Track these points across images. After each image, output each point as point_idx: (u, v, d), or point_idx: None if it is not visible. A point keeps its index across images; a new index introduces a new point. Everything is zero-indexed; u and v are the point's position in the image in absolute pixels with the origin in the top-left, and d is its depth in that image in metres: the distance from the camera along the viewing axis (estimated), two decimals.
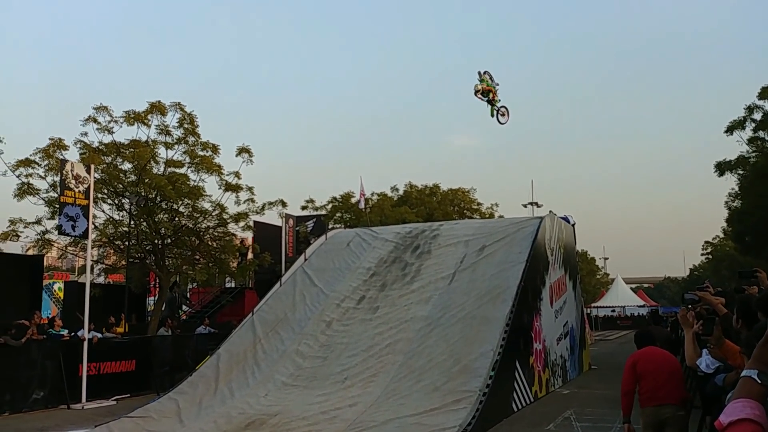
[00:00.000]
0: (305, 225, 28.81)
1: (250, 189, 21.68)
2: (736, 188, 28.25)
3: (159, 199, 20.48)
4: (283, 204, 23.26)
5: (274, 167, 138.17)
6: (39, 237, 19.44)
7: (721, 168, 27.13)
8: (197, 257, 22.33)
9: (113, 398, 14.56)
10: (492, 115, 16.89)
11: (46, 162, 18.84)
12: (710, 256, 57.68)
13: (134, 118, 20.06)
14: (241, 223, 22.09)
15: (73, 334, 15.22)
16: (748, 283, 7.34)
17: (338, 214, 34.52)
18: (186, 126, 20.84)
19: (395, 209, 34.21)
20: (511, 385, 12.24)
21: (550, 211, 21.71)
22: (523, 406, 12.49)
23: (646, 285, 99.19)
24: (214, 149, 21.19)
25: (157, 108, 20.30)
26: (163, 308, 21.69)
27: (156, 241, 21.02)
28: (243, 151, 21.27)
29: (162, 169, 20.67)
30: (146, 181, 19.84)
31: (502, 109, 17.07)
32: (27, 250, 21.63)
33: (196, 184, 20.78)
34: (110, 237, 20.88)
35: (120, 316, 18.60)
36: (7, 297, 16.94)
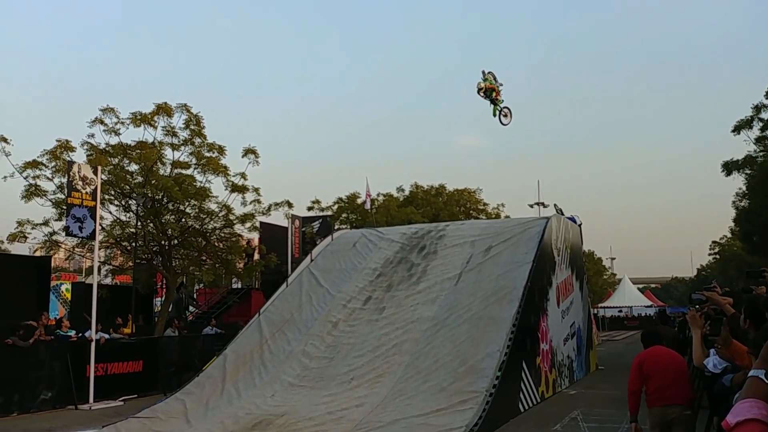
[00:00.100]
0: (311, 226, 28.84)
1: (256, 190, 21.73)
2: (744, 188, 28.14)
3: (166, 201, 20.54)
4: (289, 205, 23.31)
5: (280, 168, 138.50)
6: (46, 238, 19.52)
7: (729, 167, 27.00)
8: (204, 258, 22.39)
9: (121, 399, 14.61)
10: (494, 115, 16.69)
11: (53, 163, 18.91)
12: (718, 256, 57.37)
13: (141, 119, 20.11)
14: (248, 224, 22.14)
15: (80, 334, 15.28)
16: (756, 283, 7.32)
17: (344, 215, 34.51)
18: (192, 127, 20.89)
19: (401, 210, 34.17)
20: (518, 385, 12.22)
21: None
22: (529, 406, 12.47)
23: (653, 285, 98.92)
24: (221, 150, 21.24)
25: (163, 109, 20.36)
26: (169, 309, 21.73)
27: (163, 242, 21.08)
28: (249, 152, 21.31)
29: (168, 170, 20.72)
30: (153, 182, 19.90)
31: (505, 110, 16.88)
32: (34, 251, 21.72)
33: (202, 185, 20.83)
34: (117, 238, 20.96)
35: (127, 317, 18.66)
36: (15, 298, 17.01)
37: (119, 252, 23.02)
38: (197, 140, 21.05)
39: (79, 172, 14.50)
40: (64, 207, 15.81)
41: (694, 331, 5.64)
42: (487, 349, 11.97)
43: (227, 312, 24.92)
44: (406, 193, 38.59)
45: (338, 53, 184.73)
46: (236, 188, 21.26)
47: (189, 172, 20.89)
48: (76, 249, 21.24)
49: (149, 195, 20.21)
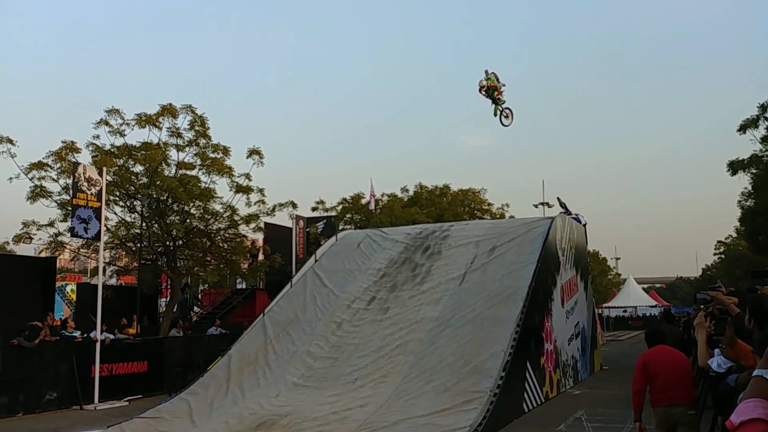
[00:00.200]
0: (315, 226, 28.85)
1: (260, 191, 21.76)
2: (749, 187, 28.02)
3: (170, 201, 20.58)
4: (294, 205, 23.34)
5: (284, 169, 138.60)
6: (52, 239, 19.57)
7: (734, 167, 26.91)
8: (208, 259, 22.42)
9: (125, 399, 14.65)
10: (495, 115, 16.52)
11: (58, 165, 18.96)
12: (723, 256, 57.16)
13: (145, 120, 20.16)
14: (252, 225, 22.17)
15: (85, 335, 15.33)
16: (761, 283, 7.30)
17: (348, 215, 34.52)
18: (197, 128, 20.93)
19: (405, 210, 34.17)
20: (522, 385, 12.21)
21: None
22: (534, 406, 12.46)
23: (658, 285, 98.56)
24: (225, 151, 21.27)
25: (168, 110, 20.40)
26: (174, 309, 21.78)
27: (167, 243, 21.12)
28: (253, 152, 21.35)
29: (173, 171, 20.77)
30: (158, 183, 19.94)
31: (506, 111, 16.71)
32: (40, 252, 21.82)
33: (207, 185, 20.86)
34: (122, 239, 21.01)
35: (132, 318, 18.70)
36: (21, 299, 17.09)
37: (124, 253, 23.08)
38: (202, 141, 21.09)
39: (84, 173, 14.55)
40: (70, 208, 15.87)
41: (700, 332, 5.63)
42: (491, 349, 11.97)
43: (232, 312, 24.96)
44: (411, 193, 38.58)
45: (342, 53, 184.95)
46: (241, 189, 21.30)
47: (194, 173, 20.93)
48: (82, 250, 21.29)
49: (154, 196, 20.26)
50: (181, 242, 21.37)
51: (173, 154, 20.91)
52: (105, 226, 16.68)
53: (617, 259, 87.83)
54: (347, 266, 16.69)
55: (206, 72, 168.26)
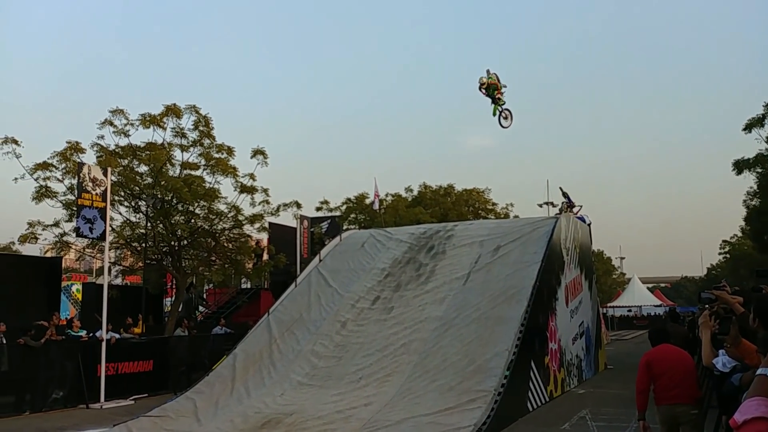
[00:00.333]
0: (320, 226, 28.90)
1: (265, 191, 21.81)
2: (755, 186, 27.95)
3: (175, 201, 20.63)
4: (298, 205, 23.36)
5: (288, 169, 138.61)
6: (57, 239, 19.66)
7: (739, 166, 26.84)
8: (213, 258, 22.48)
9: (131, 398, 14.70)
10: (494, 114, 16.36)
11: (63, 165, 19.04)
12: (728, 256, 56.98)
13: (150, 120, 20.22)
14: (257, 225, 22.23)
15: (91, 334, 15.38)
16: (766, 282, 7.29)
17: (353, 215, 34.53)
18: (201, 128, 20.98)
19: (410, 210, 34.16)
20: (526, 384, 12.21)
21: (561, 188, 21.59)
22: (538, 405, 12.46)
23: (662, 285, 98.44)
24: (229, 151, 21.32)
25: (172, 111, 20.46)
26: (179, 309, 21.85)
27: (172, 243, 21.18)
28: (258, 153, 21.39)
29: (178, 171, 20.82)
30: (162, 183, 20.00)
31: (505, 112, 16.52)
32: (45, 252, 21.89)
33: (211, 186, 20.92)
34: (127, 239, 21.08)
35: (137, 317, 18.77)
36: (27, 298, 17.16)
37: (129, 253, 23.15)
38: (206, 141, 21.15)
39: (89, 173, 14.60)
40: (75, 208, 15.92)
41: (704, 332, 5.63)
42: (495, 348, 11.97)
43: (236, 312, 25.02)
44: (415, 193, 38.57)
45: (346, 53, 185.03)
46: (245, 189, 21.34)
47: (198, 173, 20.99)
48: (87, 250, 21.37)
49: (159, 196, 20.31)
50: (185, 242, 21.43)
51: (178, 154, 21.00)
52: (110, 226, 16.74)
53: (622, 258, 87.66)
54: (351, 266, 16.71)
55: (210, 72, 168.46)
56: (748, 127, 26.45)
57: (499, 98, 16.15)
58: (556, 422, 11.00)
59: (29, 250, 20.94)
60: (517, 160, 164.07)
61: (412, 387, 11.62)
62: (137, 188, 20.27)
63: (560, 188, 21.65)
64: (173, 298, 23.51)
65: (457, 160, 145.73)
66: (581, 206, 21.63)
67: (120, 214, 20.67)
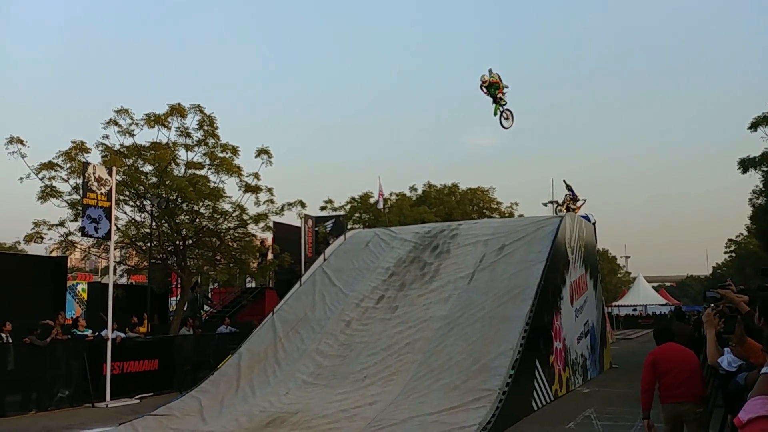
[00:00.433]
0: (324, 225, 28.90)
1: (269, 190, 21.82)
2: (760, 185, 27.88)
3: (180, 201, 20.67)
4: (302, 205, 23.38)
5: (292, 169, 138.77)
6: (62, 239, 19.70)
7: (745, 165, 26.76)
8: (218, 258, 22.51)
9: (137, 397, 14.75)
10: (495, 114, 16.28)
11: (68, 165, 19.08)
12: (734, 254, 56.83)
13: (154, 120, 20.25)
14: (261, 224, 22.23)
15: (96, 333, 15.44)
16: None
17: (357, 215, 34.58)
18: (206, 128, 21.01)
19: (414, 209, 34.18)
20: (531, 383, 12.21)
21: (564, 181, 21.53)
22: (543, 404, 12.46)
23: (668, 284, 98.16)
24: (234, 151, 21.34)
25: (177, 110, 20.49)
26: (184, 308, 21.88)
27: (177, 242, 21.22)
28: (262, 152, 21.41)
29: (182, 170, 20.86)
30: (167, 182, 20.04)
31: (506, 113, 16.42)
32: (51, 251, 21.94)
33: (216, 185, 20.95)
34: (132, 238, 21.13)
35: (143, 316, 18.80)
36: (32, 298, 17.20)
37: (134, 252, 23.21)
38: (211, 141, 21.17)
39: (94, 173, 14.64)
40: (80, 208, 15.97)
41: (708, 330, 5.62)
42: (500, 347, 11.98)
43: (241, 311, 25.05)
44: (419, 192, 38.60)
45: (350, 52, 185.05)
46: (249, 188, 21.37)
47: (203, 172, 21.02)
48: (92, 249, 21.42)
49: (163, 195, 20.35)
50: (190, 241, 21.46)
51: (182, 153, 21.03)
52: (115, 225, 16.78)
53: (627, 257, 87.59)
54: (356, 265, 16.72)
55: (214, 71, 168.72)
56: (754, 126, 26.36)
57: (500, 98, 16.08)
58: (561, 421, 11.00)
59: (35, 249, 21.05)
60: (521, 159, 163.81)
61: (416, 386, 11.63)
62: (142, 188, 20.31)
63: (564, 181, 21.59)
64: (178, 298, 23.56)
65: (462, 159, 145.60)
66: (585, 200, 21.54)
67: (125, 213, 20.72)
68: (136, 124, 20.24)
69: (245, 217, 21.73)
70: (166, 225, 20.84)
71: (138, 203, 20.81)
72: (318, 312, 15.18)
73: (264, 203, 21.83)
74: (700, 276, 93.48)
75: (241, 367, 13.71)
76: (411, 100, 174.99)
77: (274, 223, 23.29)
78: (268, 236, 25.24)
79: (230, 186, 21.53)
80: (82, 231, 15.02)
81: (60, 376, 13.87)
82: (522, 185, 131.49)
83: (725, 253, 59.75)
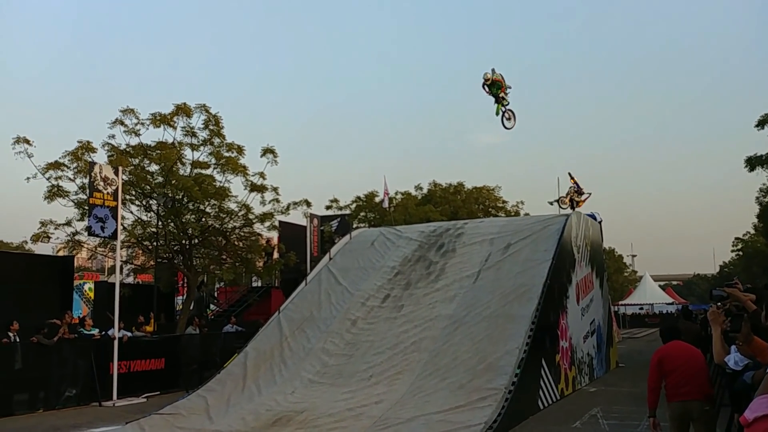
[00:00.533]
0: (330, 224, 28.93)
1: (275, 189, 21.87)
2: (767, 183, 27.76)
3: (186, 200, 20.73)
4: (308, 204, 23.41)
5: (298, 168, 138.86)
6: (69, 238, 19.79)
7: (752, 163, 26.68)
8: (224, 257, 22.57)
9: (143, 395, 14.80)
10: (497, 114, 16.19)
11: (75, 164, 19.16)
12: (740, 253, 56.59)
13: (160, 120, 20.31)
14: (267, 223, 22.28)
15: (103, 333, 15.49)
16: None
17: (362, 214, 34.57)
18: (211, 127, 21.06)
19: (419, 208, 34.15)
20: (537, 383, 12.19)
21: (569, 173, 21.37)
22: (549, 403, 12.44)
23: (674, 282, 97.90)
24: (239, 150, 21.39)
25: (182, 110, 20.55)
26: (191, 307, 21.94)
27: (183, 242, 21.28)
28: (267, 151, 21.46)
29: (188, 170, 20.92)
30: (173, 182, 20.10)
31: (508, 113, 16.29)
32: (58, 251, 22.04)
33: (221, 184, 21.00)
34: (139, 238, 21.19)
35: (149, 316, 18.86)
36: (39, 297, 17.29)
37: (141, 251, 23.29)
38: (216, 140, 21.23)
39: (100, 172, 14.70)
40: (86, 207, 16.03)
41: (714, 328, 5.61)
42: (506, 346, 11.96)
43: (247, 310, 25.11)
44: (425, 191, 38.55)
45: (355, 51, 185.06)
46: (255, 188, 21.41)
47: (208, 172, 21.08)
48: (99, 248, 21.51)
49: (170, 195, 20.42)
50: (196, 241, 21.53)
51: (188, 153, 21.09)
52: (121, 225, 16.84)
53: (633, 256, 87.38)
54: (361, 264, 16.72)
55: (219, 71, 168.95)
56: (761, 124, 26.27)
57: (503, 98, 16.00)
58: (567, 420, 10.98)
59: (42, 249, 21.11)
60: (527, 157, 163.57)
61: (422, 385, 11.63)
62: (148, 187, 20.37)
63: (569, 173, 21.43)
64: (184, 297, 23.62)
65: (467, 157, 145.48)
66: (590, 194, 21.39)
67: (131, 213, 20.80)
68: (142, 124, 20.33)
69: (251, 216, 21.79)
70: (172, 224, 20.91)
71: (144, 203, 20.89)
72: (324, 311, 15.19)
73: (269, 202, 21.90)
74: (707, 275, 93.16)
75: (248, 366, 13.73)
76: (416, 99, 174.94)
77: (280, 222, 23.33)
78: (274, 235, 25.30)
79: (236, 185, 21.62)
80: (89, 230, 15.08)
81: (67, 375, 13.93)
82: (528, 184, 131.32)
83: (732, 251, 59.58)
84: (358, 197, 35.03)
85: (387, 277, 15.89)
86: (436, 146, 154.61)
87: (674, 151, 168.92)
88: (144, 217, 21.13)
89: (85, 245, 20.92)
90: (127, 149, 20.20)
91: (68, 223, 19.68)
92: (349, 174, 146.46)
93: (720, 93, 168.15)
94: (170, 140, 20.66)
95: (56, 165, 18.98)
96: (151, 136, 20.92)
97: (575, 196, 20.53)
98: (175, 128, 20.68)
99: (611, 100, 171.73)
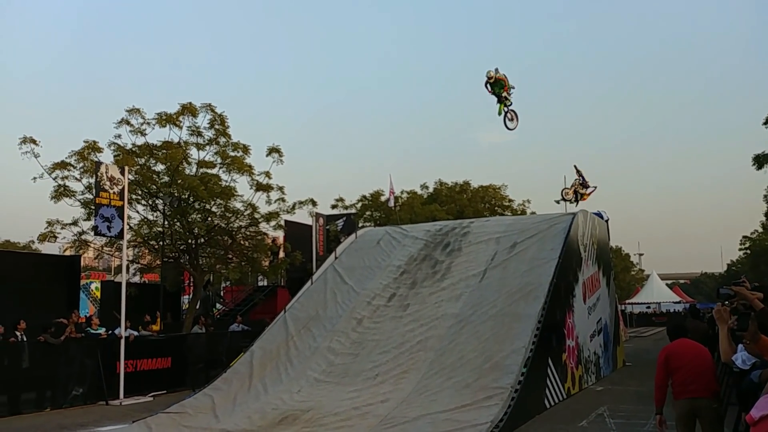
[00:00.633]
0: (335, 224, 28.89)
1: (280, 189, 21.85)
2: None
3: (192, 200, 20.75)
4: (313, 203, 23.39)
5: (303, 167, 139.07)
6: (76, 238, 19.81)
7: (760, 161, 26.54)
8: (230, 256, 22.58)
9: (150, 394, 14.84)
10: (499, 114, 16.06)
11: (81, 164, 19.18)
12: (748, 251, 56.28)
13: (166, 119, 20.33)
14: (273, 223, 22.27)
15: (110, 332, 15.54)
16: None
17: (368, 213, 34.58)
18: (217, 127, 21.06)
19: (425, 207, 34.15)
20: (544, 381, 12.16)
21: (575, 166, 21.26)
22: (555, 402, 12.41)
23: (682, 281, 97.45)
24: (245, 150, 21.40)
25: (188, 109, 20.55)
26: (197, 306, 21.98)
27: (189, 241, 21.31)
28: (273, 151, 21.45)
29: (194, 169, 20.93)
30: (179, 181, 20.12)
31: (511, 113, 16.15)
32: (64, 250, 22.09)
33: (227, 184, 21.01)
34: (145, 237, 21.23)
35: (155, 315, 18.90)
36: (46, 297, 17.34)
37: (147, 251, 23.32)
38: (222, 140, 21.23)
39: (106, 172, 14.73)
40: (93, 207, 16.06)
41: (721, 327, 5.57)
42: (512, 345, 11.93)
43: (253, 309, 25.12)
44: (430, 190, 38.53)
45: (361, 50, 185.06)
46: (261, 187, 21.41)
47: (214, 171, 21.09)
48: (105, 248, 21.55)
49: (175, 194, 20.44)
50: (202, 240, 21.55)
51: (194, 152, 21.10)
52: (128, 224, 16.88)
53: (640, 254, 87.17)
54: (367, 263, 16.72)
55: (219, 70, 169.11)
56: None
57: (506, 98, 15.89)
58: (574, 419, 10.95)
59: (48, 248, 21.14)
60: (534, 156, 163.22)
61: (428, 384, 11.61)
62: (154, 187, 20.40)
63: (575, 166, 21.31)
64: (191, 296, 23.67)
65: (473, 156, 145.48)
66: (596, 187, 21.27)
67: (137, 212, 20.82)
68: (148, 124, 20.34)
69: (257, 215, 21.79)
70: (178, 224, 20.94)
71: (150, 202, 20.91)
72: (329, 310, 15.20)
73: (275, 202, 21.88)
74: (714, 273, 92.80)
75: (254, 364, 13.75)
76: (422, 98, 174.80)
77: (286, 221, 23.33)
78: (280, 235, 25.29)
79: (241, 185, 21.59)
80: (95, 230, 15.11)
81: (74, 374, 13.98)
82: (534, 182, 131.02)
83: (740, 250, 59.25)
84: (364, 196, 35.05)
85: (393, 276, 15.88)
86: (441, 145, 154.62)
87: (682, 149, 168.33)
88: (150, 217, 21.16)
89: (92, 245, 20.95)
90: (133, 149, 20.22)
91: (75, 223, 19.72)
92: (354, 173, 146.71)
93: (726, 90, 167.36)
94: (176, 140, 20.68)
95: (63, 165, 19.01)
96: (157, 135, 20.97)
97: (580, 188, 20.39)
98: (180, 128, 20.70)
99: (617, 97, 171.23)
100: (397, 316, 14.26)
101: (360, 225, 28.43)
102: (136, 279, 25.08)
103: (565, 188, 20.61)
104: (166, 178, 20.42)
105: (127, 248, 18.36)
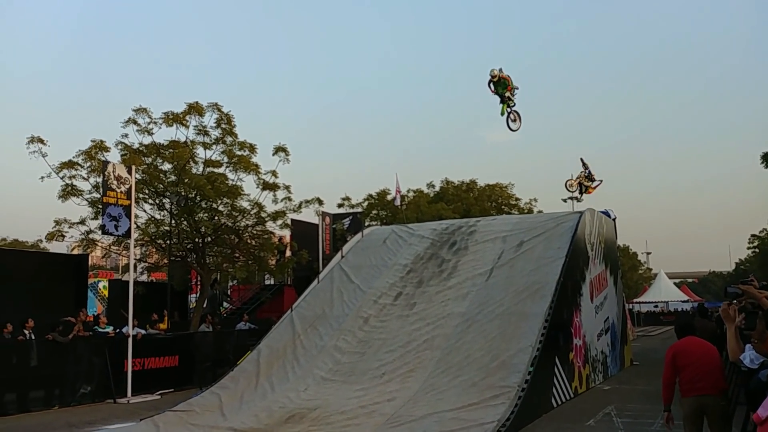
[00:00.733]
0: (342, 222, 28.92)
1: (287, 187, 21.89)
2: None
3: (199, 199, 20.80)
4: (320, 202, 23.42)
5: (310, 166, 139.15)
6: (83, 237, 19.90)
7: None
8: (237, 255, 22.63)
9: (157, 393, 14.89)
10: (502, 114, 15.96)
11: (88, 163, 19.26)
12: (757, 250, 56.03)
13: (173, 119, 20.38)
14: (279, 222, 22.30)
15: (117, 330, 15.59)
16: None
17: (374, 212, 34.55)
18: (223, 126, 21.11)
19: (431, 206, 34.08)
20: (551, 380, 12.13)
21: (581, 159, 21.08)
22: (562, 401, 12.38)
23: (690, 280, 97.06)
24: (252, 149, 21.43)
25: (194, 109, 20.60)
26: (204, 305, 22.04)
27: (197, 240, 21.36)
28: (279, 150, 21.48)
29: (201, 169, 20.98)
30: (186, 181, 20.17)
31: (514, 114, 16.03)
32: (72, 249, 22.18)
33: (234, 183, 21.06)
34: (152, 236, 21.30)
35: (163, 313, 18.95)
36: (54, 295, 17.41)
37: (154, 249, 23.40)
38: (228, 139, 21.27)
39: (113, 171, 14.78)
40: (100, 206, 16.13)
41: (728, 326, 5.54)
42: (519, 344, 11.91)
43: (260, 308, 25.17)
44: (437, 189, 38.46)
45: (367, 49, 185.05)
46: (267, 186, 21.44)
47: (221, 170, 21.13)
48: (113, 247, 21.64)
49: (182, 193, 20.49)
50: (209, 239, 21.60)
51: (200, 152, 21.15)
52: (135, 223, 16.93)
53: (648, 253, 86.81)
54: (373, 262, 16.72)
55: (220, 70, 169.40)
56: None
57: (509, 98, 15.78)
58: (581, 418, 10.92)
59: (56, 247, 21.26)
60: (541, 154, 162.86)
61: (435, 383, 11.60)
62: (161, 186, 20.46)
63: (581, 159, 21.17)
64: (198, 295, 23.74)
65: (480, 155, 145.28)
66: (601, 181, 21.14)
67: (144, 211, 20.90)
68: (155, 123, 20.41)
69: (263, 214, 21.82)
70: (185, 223, 20.99)
71: (157, 201, 20.98)
72: (336, 309, 15.21)
73: (282, 201, 21.93)
74: (722, 272, 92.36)
75: (261, 363, 13.78)
76: (423, 97, 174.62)
77: (292, 220, 23.37)
78: (286, 233, 25.34)
79: (248, 184, 21.63)
80: (103, 229, 15.18)
81: (82, 373, 14.03)
82: (541, 181, 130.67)
83: (748, 248, 59.02)
84: (370, 195, 35.03)
85: (399, 274, 15.88)
86: (443, 144, 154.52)
87: (690, 148, 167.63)
88: (157, 216, 21.24)
89: (99, 244, 21.04)
90: (140, 148, 20.29)
91: (82, 222, 19.82)
92: (361, 172, 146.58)
93: (726, 89, 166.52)
94: (183, 139, 20.74)
95: (70, 164, 19.10)
96: (163, 135, 21.03)
97: (585, 181, 20.27)
98: (187, 127, 20.76)
99: (618, 97, 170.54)
100: (404, 315, 14.26)
101: (366, 224, 28.44)
102: (144, 278, 25.18)
103: (570, 180, 20.46)
104: (173, 177, 20.48)
105: (135, 247, 18.42)
